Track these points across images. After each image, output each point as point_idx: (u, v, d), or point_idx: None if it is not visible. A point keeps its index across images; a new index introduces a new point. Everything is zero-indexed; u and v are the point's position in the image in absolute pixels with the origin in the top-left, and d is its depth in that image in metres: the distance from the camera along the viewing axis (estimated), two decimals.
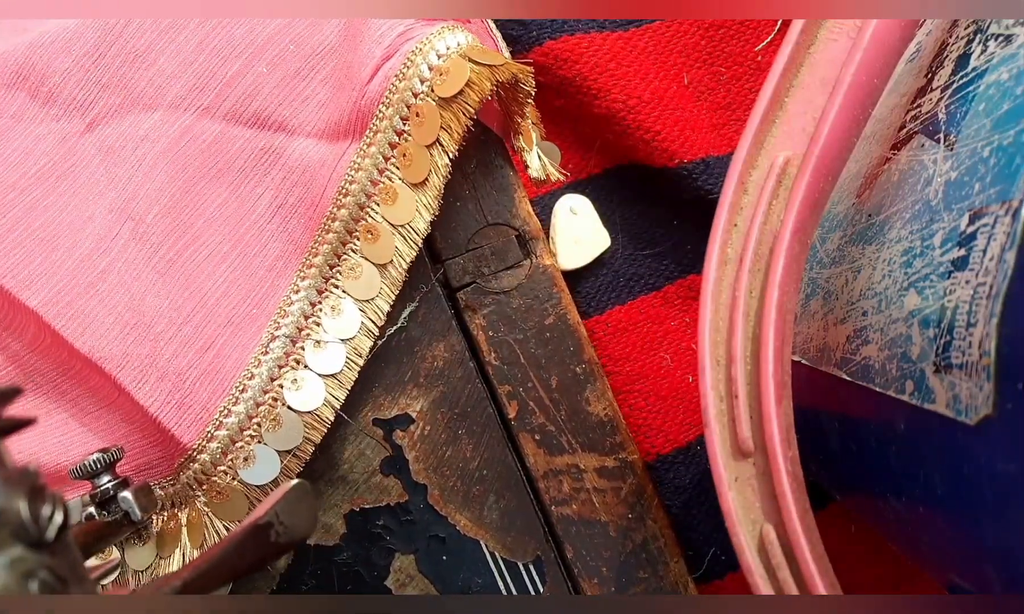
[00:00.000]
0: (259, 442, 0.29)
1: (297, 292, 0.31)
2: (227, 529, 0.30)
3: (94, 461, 0.26)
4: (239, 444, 0.29)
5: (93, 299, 0.30)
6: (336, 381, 0.30)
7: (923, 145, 0.27)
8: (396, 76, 0.30)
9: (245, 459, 0.29)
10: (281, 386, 0.30)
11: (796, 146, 0.28)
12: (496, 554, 0.32)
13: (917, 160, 0.27)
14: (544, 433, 0.33)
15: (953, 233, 0.23)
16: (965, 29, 0.28)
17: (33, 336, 0.31)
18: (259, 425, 0.29)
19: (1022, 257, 0.19)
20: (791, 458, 0.25)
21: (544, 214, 0.40)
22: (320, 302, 0.31)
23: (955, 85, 0.26)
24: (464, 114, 0.29)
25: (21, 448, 0.30)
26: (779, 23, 0.42)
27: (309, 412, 0.30)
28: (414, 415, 0.32)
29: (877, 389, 0.26)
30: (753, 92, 0.42)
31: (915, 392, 0.23)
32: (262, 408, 0.29)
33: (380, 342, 0.31)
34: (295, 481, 0.21)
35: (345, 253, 0.31)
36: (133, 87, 0.31)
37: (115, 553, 0.30)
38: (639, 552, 0.33)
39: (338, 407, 0.30)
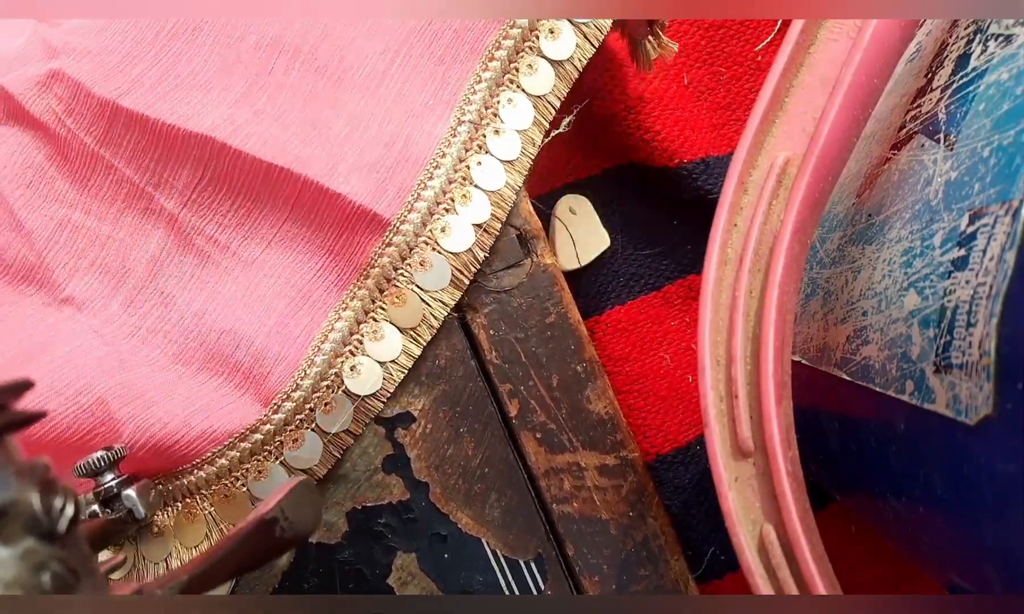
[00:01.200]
0: (453, 214, 0.32)
1: (479, 82, 0.33)
2: (436, 300, 0.32)
3: (97, 459, 0.26)
4: (436, 216, 0.31)
5: (266, 119, 0.31)
6: (513, 166, 0.33)
7: (923, 145, 0.27)
8: None
9: (442, 229, 0.31)
10: (468, 166, 0.32)
11: (796, 146, 0.28)
12: (498, 552, 0.32)
13: (917, 160, 0.27)
14: (545, 431, 0.33)
15: (953, 233, 0.23)
16: (965, 29, 0.28)
17: (187, 180, 0.31)
18: (452, 199, 0.32)
19: (1022, 257, 0.19)
20: (791, 458, 0.25)
21: (543, 214, 0.40)
22: (498, 94, 0.33)
23: (955, 85, 0.26)
24: None
25: (213, 327, 0.30)
26: (779, 23, 0.42)
27: (494, 191, 0.32)
28: (416, 413, 0.32)
29: (877, 389, 0.26)
30: (753, 92, 0.42)
31: (915, 392, 0.24)
32: (453, 184, 0.32)
33: (546, 141, 0.34)
34: (299, 477, 0.21)
35: (524, 50, 0.33)
36: None
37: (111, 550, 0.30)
38: (640, 550, 0.33)
39: (517, 188, 0.33)
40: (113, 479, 0.27)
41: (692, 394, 0.40)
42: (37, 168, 0.31)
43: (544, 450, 0.33)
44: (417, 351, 0.32)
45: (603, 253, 0.40)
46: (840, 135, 0.27)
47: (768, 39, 0.42)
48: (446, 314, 0.32)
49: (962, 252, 0.22)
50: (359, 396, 0.31)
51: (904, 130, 0.29)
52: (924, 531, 0.25)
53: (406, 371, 0.31)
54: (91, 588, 0.17)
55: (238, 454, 0.30)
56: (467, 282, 0.32)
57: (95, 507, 0.27)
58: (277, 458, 0.30)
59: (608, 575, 0.33)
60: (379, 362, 0.31)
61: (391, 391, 0.31)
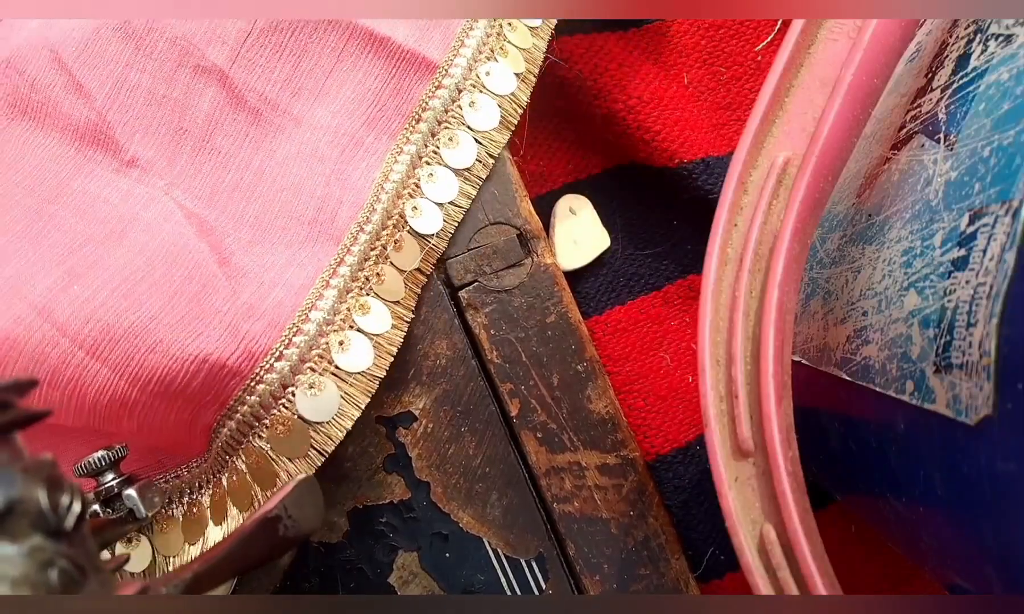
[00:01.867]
0: (494, 61, 0.34)
1: None
2: (488, 139, 0.34)
3: (98, 459, 0.26)
4: (479, 62, 0.34)
5: None
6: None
7: (923, 145, 0.27)
8: None
9: (487, 73, 0.34)
10: (501, 25, 0.35)
11: (796, 146, 0.28)
12: (499, 551, 0.32)
13: (917, 160, 0.27)
14: (546, 431, 0.33)
15: (953, 233, 0.23)
16: (965, 29, 0.28)
17: (237, 35, 0.31)
18: (492, 50, 0.34)
19: (1022, 257, 0.19)
20: (791, 458, 0.25)
21: (544, 214, 0.40)
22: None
23: (955, 85, 0.26)
24: None
25: (273, 185, 0.31)
26: (779, 23, 0.42)
27: (525, 49, 0.35)
28: (417, 413, 0.32)
29: (877, 389, 0.26)
30: (753, 92, 0.42)
31: (915, 392, 0.24)
32: (491, 38, 0.34)
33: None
34: (302, 476, 0.21)
35: None
36: None
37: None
38: (640, 549, 0.33)
39: (542, 53, 0.35)
40: (114, 479, 0.27)
41: (692, 394, 0.40)
42: (93, 32, 0.31)
43: (545, 449, 0.33)
44: (473, 192, 0.33)
45: (603, 253, 0.40)
46: (840, 135, 0.27)
47: (768, 39, 0.42)
48: (499, 153, 0.33)
49: (962, 252, 0.22)
50: (423, 235, 0.32)
51: (904, 130, 0.29)
52: (924, 531, 0.25)
53: (463, 212, 0.33)
54: (98, 585, 0.17)
55: (336, 292, 0.30)
56: (515, 124, 0.34)
57: (96, 507, 0.27)
58: (368, 293, 0.31)
59: (609, 574, 0.33)
60: (437, 204, 0.32)
61: (452, 232, 0.33)
